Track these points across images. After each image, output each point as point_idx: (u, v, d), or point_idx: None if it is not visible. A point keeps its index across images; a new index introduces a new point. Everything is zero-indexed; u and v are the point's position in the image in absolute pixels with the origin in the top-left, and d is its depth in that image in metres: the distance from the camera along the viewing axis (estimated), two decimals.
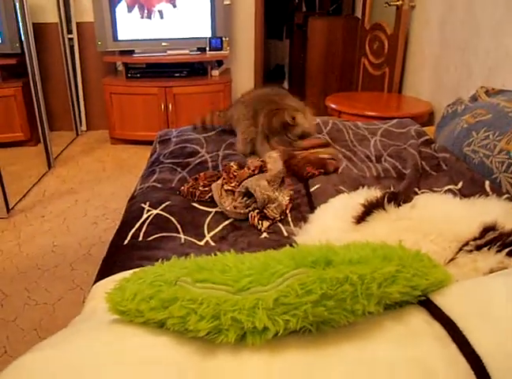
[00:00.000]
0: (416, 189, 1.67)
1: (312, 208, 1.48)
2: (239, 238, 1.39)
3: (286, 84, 5.57)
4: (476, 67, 2.46)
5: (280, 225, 1.44)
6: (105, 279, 1.18)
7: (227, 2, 3.59)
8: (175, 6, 3.51)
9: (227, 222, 1.46)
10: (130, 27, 3.51)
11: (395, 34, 3.22)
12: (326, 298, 0.55)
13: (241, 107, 2.09)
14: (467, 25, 2.55)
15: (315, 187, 1.64)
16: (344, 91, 4.16)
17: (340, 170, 1.78)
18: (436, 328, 0.61)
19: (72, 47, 3.79)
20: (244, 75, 4.11)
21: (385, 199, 1.18)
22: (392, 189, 1.64)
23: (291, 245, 1.27)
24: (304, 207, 1.53)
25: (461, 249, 1.04)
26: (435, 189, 1.68)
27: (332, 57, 4.39)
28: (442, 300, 0.65)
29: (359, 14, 4.15)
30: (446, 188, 1.66)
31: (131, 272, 0.76)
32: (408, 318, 0.62)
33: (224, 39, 3.60)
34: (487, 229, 1.06)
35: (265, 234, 1.40)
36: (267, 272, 0.59)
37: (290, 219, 1.47)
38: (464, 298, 0.66)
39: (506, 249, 1.00)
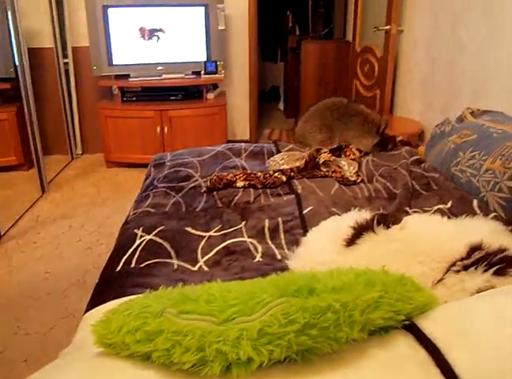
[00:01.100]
0: (407, 209, 1.68)
1: (305, 231, 1.49)
2: (233, 263, 1.39)
3: (281, 105, 5.64)
4: (463, 87, 2.51)
5: (274, 248, 1.45)
6: (96, 308, 1.18)
7: (222, 27, 3.66)
8: (170, 31, 3.58)
9: (220, 246, 1.46)
10: (126, 51, 3.57)
11: (384, 57, 3.28)
12: (309, 326, 0.56)
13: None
14: (452, 47, 2.61)
15: (308, 209, 1.66)
16: None
17: (332, 191, 1.81)
18: (420, 352, 0.61)
19: (67, 72, 3.84)
20: (239, 97, 4.17)
21: (375, 221, 1.19)
22: (382, 210, 1.65)
23: (282, 270, 1.29)
24: (297, 229, 1.54)
25: (448, 270, 1.05)
26: (426, 208, 1.69)
27: (325, 78, 4.47)
28: (426, 324, 0.66)
29: (350, 38, 4.23)
30: (436, 207, 1.68)
31: (121, 300, 0.76)
32: (392, 344, 0.63)
33: (218, 62, 3.66)
34: (473, 249, 1.07)
35: (258, 258, 1.40)
36: (252, 302, 0.60)
37: (283, 242, 1.48)
38: (449, 321, 0.67)
39: (493, 269, 1.01)
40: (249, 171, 1.94)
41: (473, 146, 1.76)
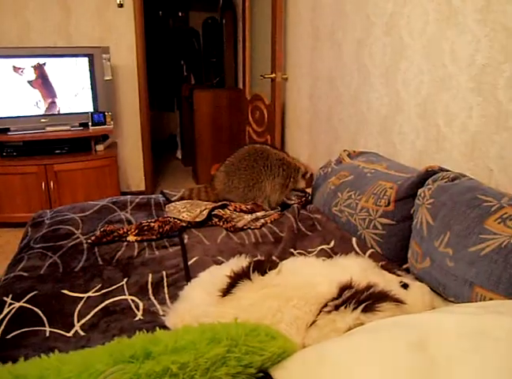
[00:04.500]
0: (292, 250, 1.72)
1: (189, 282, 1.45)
2: (112, 324, 1.31)
3: (179, 154, 5.64)
4: (342, 131, 2.70)
5: (156, 304, 1.39)
6: None
7: (108, 78, 3.61)
8: (53, 82, 3.45)
9: (99, 307, 1.38)
10: (4, 104, 3.36)
11: (272, 104, 3.45)
12: None
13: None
14: (330, 95, 2.81)
15: (193, 260, 1.63)
16: None
17: (219, 239, 1.80)
18: None
19: None
20: (132, 148, 4.10)
21: (251, 268, 1.19)
22: (268, 254, 1.67)
23: (164, 327, 1.23)
24: (182, 282, 1.50)
25: (321, 311, 1.07)
26: (310, 249, 1.74)
27: (219, 126, 4.57)
28: (280, 374, 0.66)
29: (241, 86, 4.40)
30: (320, 248, 1.74)
31: None
32: None
33: (106, 113, 3.58)
34: (343, 288, 1.11)
35: (139, 316, 1.34)
36: (86, 373, 0.55)
37: (167, 297, 1.43)
38: (302, 368, 0.67)
39: (361, 306, 1.04)
40: (144, 223, 1.85)
41: (350, 186, 1.87)
